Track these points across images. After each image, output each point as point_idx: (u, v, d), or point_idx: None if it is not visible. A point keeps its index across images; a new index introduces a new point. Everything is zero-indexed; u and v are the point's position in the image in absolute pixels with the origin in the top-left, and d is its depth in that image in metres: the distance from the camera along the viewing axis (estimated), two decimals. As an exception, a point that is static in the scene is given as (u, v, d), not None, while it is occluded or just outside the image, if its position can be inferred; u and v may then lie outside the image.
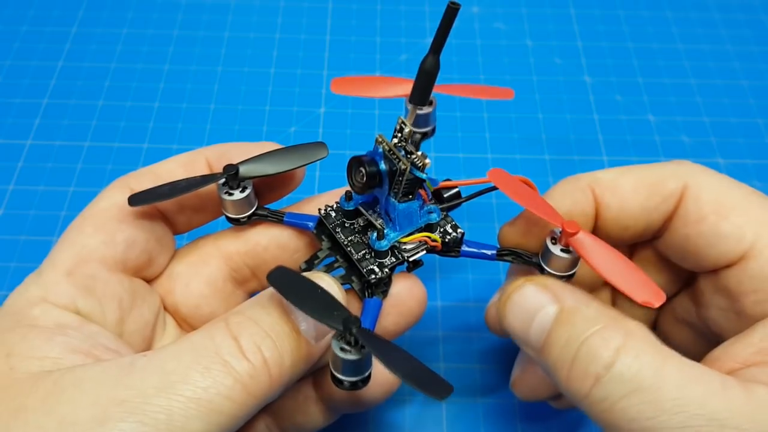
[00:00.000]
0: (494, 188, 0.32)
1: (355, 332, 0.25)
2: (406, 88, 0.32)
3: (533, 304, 0.28)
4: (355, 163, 0.29)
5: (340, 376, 0.26)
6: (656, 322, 0.36)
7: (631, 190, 0.30)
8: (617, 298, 0.36)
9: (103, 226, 0.29)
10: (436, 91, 0.30)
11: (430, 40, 0.65)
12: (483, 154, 0.51)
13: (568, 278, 0.30)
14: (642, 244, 0.33)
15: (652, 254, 0.33)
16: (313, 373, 0.33)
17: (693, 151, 0.52)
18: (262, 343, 0.25)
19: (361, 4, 0.61)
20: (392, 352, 0.24)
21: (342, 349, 0.25)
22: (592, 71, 0.57)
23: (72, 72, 0.55)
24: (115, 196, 0.30)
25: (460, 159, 0.51)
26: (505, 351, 0.42)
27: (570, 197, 0.30)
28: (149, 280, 0.32)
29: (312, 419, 0.33)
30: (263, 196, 0.33)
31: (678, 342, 0.34)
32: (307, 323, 0.26)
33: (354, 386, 0.27)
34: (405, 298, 0.31)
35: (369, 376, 0.27)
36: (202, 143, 0.51)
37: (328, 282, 0.28)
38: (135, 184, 0.30)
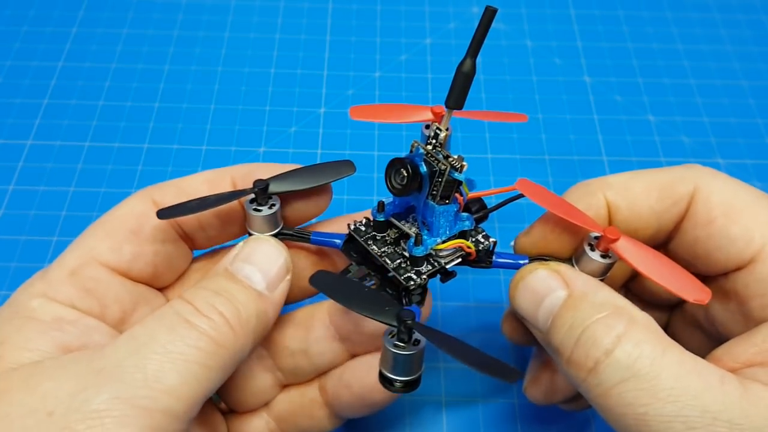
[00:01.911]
0: (520, 196, 0.31)
1: (410, 324, 0.25)
2: (423, 114, 0.32)
3: (543, 288, 0.28)
4: (396, 164, 0.29)
5: (391, 376, 0.26)
6: (668, 325, 0.36)
7: (641, 193, 0.30)
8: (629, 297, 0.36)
9: (114, 234, 0.29)
10: (455, 115, 0.30)
11: (430, 40, 0.65)
12: (483, 155, 0.51)
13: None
14: (655, 247, 0.33)
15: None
16: (319, 377, 0.33)
17: (693, 152, 0.52)
18: (215, 302, 0.26)
19: (361, 4, 0.62)
20: (451, 342, 0.24)
21: (395, 345, 0.25)
22: (592, 71, 0.57)
23: (72, 72, 0.55)
24: (134, 205, 0.30)
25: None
26: (506, 352, 0.42)
27: (583, 202, 0.30)
28: (159, 289, 0.32)
29: (317, 424, 0.33)
30: (290, 220, 0.33)
31: (688, 345, 0.34)
32: (256, 276, 0.28)
33: (405, 387, 0.26)
34: None
35: (420, 378, 0.27)
36: (203, 143, 0.51)
37: (273, 244, 0.30)
38: (158, 196, 0.31)
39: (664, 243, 0.32)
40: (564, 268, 0.29)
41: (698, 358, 0.25)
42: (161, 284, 0.32)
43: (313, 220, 0.34)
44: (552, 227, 0.30)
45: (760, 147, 0.52)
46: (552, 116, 0.54)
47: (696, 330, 0.33)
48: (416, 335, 0.26)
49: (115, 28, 0.59)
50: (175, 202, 0.30)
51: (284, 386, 0.34)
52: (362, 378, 0.31)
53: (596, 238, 0.29)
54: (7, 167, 0.49)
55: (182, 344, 0.25)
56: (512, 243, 0.33)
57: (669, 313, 0.35)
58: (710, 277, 0.31)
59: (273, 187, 0.30)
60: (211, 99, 0.54)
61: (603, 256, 0.29)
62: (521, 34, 0.60)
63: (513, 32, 0.60)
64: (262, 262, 0.29)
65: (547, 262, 0.29)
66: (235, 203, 0.31)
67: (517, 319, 0.34)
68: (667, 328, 0.36)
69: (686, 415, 0.23)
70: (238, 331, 0.26)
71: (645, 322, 0.26)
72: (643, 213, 0.30)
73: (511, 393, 0.40)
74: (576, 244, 0.30)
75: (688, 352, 0.25)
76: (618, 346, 0.25)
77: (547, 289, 0.28)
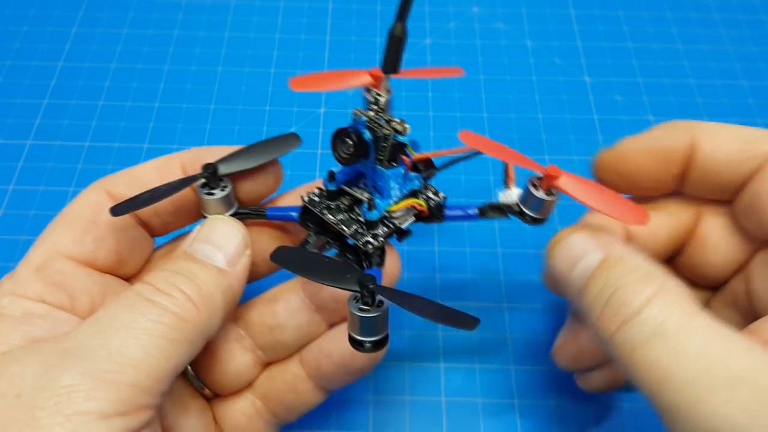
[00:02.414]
0: (475, 154, 0.33)
1: (373, 288, 0.26)
2: (362, 78, 0.33)
3: (581, 249, 0.29)
4: (340, 134, 0.30)
5: (360, 338, 0.27)
6: (708, 306, 0.36)
7: (727, 139, 0.31)
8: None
9: (74, 226, 0.30)
10: (393, 76, 0.31)
11: (430, 40, 0.65)
12: (482, 154, 0.51)
13: (545, 220, 0.32)
14: (711, 216, 0.34)
15: (721, 226, 0.33)
16: (299, 350, 0.33)
17: (693, 152, 0.52)
18: (175, 281, 0.27)
19: (361, 4, 0.62)
20: (411, 299, 0.26)
21: (360, 309, 0.26)
22: (592, 71, 0.57)
23: (72, 72, 0.55)
24: (89, 197, 0.31)
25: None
26: (505, 351, 0.42)
27: (670, 133, 0.31)
28: (126, 278, 0.32)
29: (302, 398, 0.34)
30: (245, 200, 0.33)
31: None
32: (215, 254, 0.29)
33: (375, 347, 0.27)
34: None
35: (388, 336, 0.28)
36: (203, 143, 0.51)
37: (230, 223, 0.30)
38: (110, 185, 0.31)
39: (732, 197, 0.32)
40: (603, 234, 0.30)
41: (724, 326, 0.25)
42: (127, 272, 0.32)
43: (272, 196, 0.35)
44: (632, 148, 0.32)
45: (760, 147, 0.52)
46: (552, 116, 0.54)
47: (735, 312, 0.34)
48: (379, 297, 0.27)
49: (115, 28, 0.59)
50: (128, 191, 0.31)
51: (266, 365, 0.34)
52: (341, 345, 0.32)
53: (539, 178, 0.31)
54: (7, 167, 0.49)
55: (144, 320, 0.25)
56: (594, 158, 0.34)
57: (710, 294, 0.36)
58: (759, 249, 0.32)
59: (222, 169, 0.31)
60: (211, 99, 0.54)
61: (547, 194, 0.31)
62: (521, 34, 0.60)
63: (513, 32, 0.60)
64: (220, 241, 0.30)
65: (588, 226, 0.31)
66: (186, 189, 0.31)
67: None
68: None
69: (710, 374, 0.23)
70: (201, 305, 0.27)
71: (676, 289, 0.26)
72: (723, 158, 0.31)
73: (511, 392, 0.40)
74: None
75: (717, 320, 0.25)
76: (647, 307, 0.25)
77: (584, 251, 0.29)
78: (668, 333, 0.25)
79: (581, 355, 0.35)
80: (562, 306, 0.43)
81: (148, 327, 0.25)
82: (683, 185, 0.33)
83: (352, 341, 0.28)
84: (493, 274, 0.45)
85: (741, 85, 0.56)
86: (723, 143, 0.31)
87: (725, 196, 0.32)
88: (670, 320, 0.25)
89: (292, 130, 0.52)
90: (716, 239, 0.33)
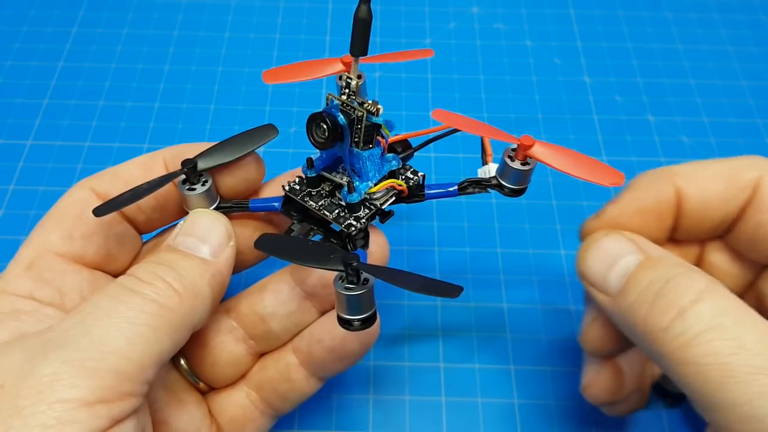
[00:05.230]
0: (453, 132, 0.33)
1: (356, 266, 0.26)
2: (335, 66, 0.33)
3: (618, 251, 0.29)
4: (315, 119, 0.30)
5: (348, 317, 0.27)
6: None
7: (709, 179, 0.31)
8: None
9: (62, 223, 0.30)
10: (363, 61, 0.31)
11: (430, 40, 0.65)
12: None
13: (523, 191, 0.32)
14: (712, 243, 0.34)
15: (723, 253, 0.33)
16: (292, 339, 0.33)
17: (692, 152, 0.52)
18: (157, 271, 0.27)
19: (361, 4, 0.62)
20: (396, 274, 0.26)
21: (346, 288, 0.27)
22: (592, 71, 0.57)
23: (72, 72, 0.56)
24: (75, 195, 0.31)
25: (459, 159, 0.51)
26: (505, 351, 0.42)
27: (654, 188, 0.31)
28: (116, 275, 0.32)
29: (296, 387, 0.34)
30: (228, 195, 0.33)
31: None
32: (198, 246, 0.29)
33: (363, 324, 0.28)
34: (371, 247, 0.32)
35: (375, 313, 0.28)
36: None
37: (212, 215, 0.31)
38: (94, 184, 0.31)
39: (727, 231, 0.32)
40: (638, 237, 0.30)
41: None
42: (116, 268, 0.32)
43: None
44: (621, 211, 0.31)
45: (760, 147, 0.52)
46: (552, 116, 0.54)
47: None
48: (364, 275, 0.27)
49: (115, 28, 0.59)
50: (112, 188, 0.31)
51: (259, 356, 0.34)
52: (332, 330, 0.32)
53: (514, 149, 0.31)
54: (7, 167, 0.49)
55: (126, 309, 0.25)
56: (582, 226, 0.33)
57: None
58: (766, 269, 0.32)
59: (201, 165, 0.31)
60: (211, 99, 0.54)
61: (523, 164, 0.31)
62: (521, 34, 0.60)
63: (513, 32, 0.60)
64: (203, 233, 0.30)
65: (621, 230, 0.30)
66: (169, 186, 0.31)
67: (603, 325, 0.34)
68: None
69: None
70: (183, 294, 0.27)
71: (722, 285, 0.26)
72: (712, 199, 0.31)
73: (511, 393, 0.40)
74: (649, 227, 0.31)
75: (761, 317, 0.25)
76: (701, 299, 0.25)
77: (620, 253, 0.29)
78: (726, 325, 0.24)
79: (613, 386, 0.34)
80: (562, 306, 0.44)
81: (130, 315, 0.25)
82: (675, 233, 0.32)
83: (341, 321, 0.28)
84: (494, 274, 0.45)
85: (740, 85, 0.56)
86: (708, 184, 0.30)
87: (718, 233, 0.32)
88: (726, 313, 0.25)
89: (292, 130, 0.52)
90: (722, 268, 0.33)
